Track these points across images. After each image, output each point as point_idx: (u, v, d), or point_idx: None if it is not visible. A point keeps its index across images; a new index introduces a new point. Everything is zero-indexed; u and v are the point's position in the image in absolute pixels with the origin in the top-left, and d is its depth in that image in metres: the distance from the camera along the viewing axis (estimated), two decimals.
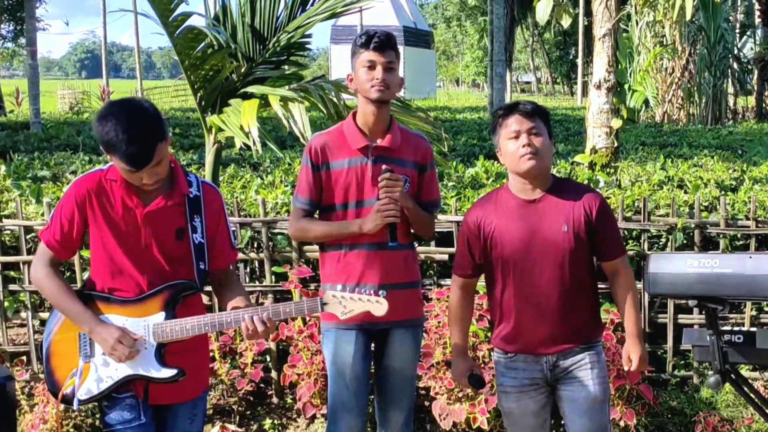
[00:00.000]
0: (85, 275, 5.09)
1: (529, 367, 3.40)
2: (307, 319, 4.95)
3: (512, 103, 3.40)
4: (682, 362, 5.24)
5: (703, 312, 3.33)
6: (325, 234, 3.58)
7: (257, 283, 5.32)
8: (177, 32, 4.90)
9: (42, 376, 5.26)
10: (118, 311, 3.10)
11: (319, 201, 3.61)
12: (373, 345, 3.69)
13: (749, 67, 23.96)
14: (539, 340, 3.35)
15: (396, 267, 3.56)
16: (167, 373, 3.09)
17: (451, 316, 3.61)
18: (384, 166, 3.47)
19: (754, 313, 5.17)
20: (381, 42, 3.46)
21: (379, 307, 3.10)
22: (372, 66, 3.46)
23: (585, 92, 33.86)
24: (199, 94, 5.28)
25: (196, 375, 3.22)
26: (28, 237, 5.31)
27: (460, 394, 4.75)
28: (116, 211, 3.08)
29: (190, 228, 3.15)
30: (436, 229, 5.20)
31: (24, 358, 5.33)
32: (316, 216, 3.64)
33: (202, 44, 5.11)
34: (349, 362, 3.59)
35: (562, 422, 3.80)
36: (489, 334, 4.75)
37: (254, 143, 4.60)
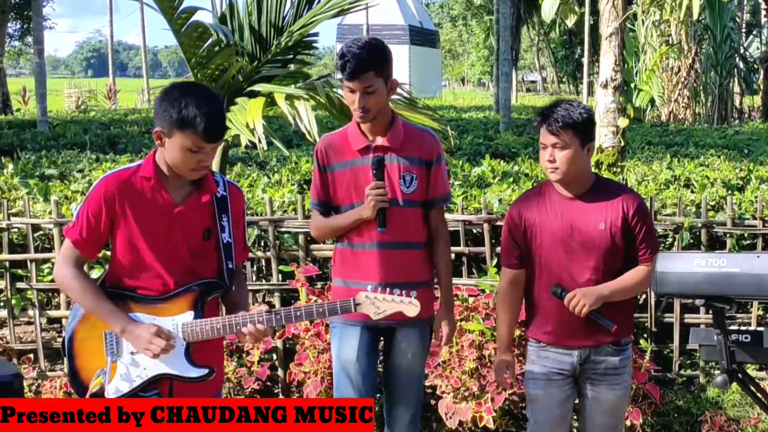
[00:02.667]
0: (92, 274, 5.11)
1: (559, 357, 3.53)
2: None
3: (545, 113, 3.46)
4: (689, 362, 5.24)
5: (710, 311, 3.33)
6: (336, 227, 3.61)
7: (264, 282, 5.33)
8: (183, 29, 4.91)
9: (49, 374, 5.28)
10: (145, 310, 3.08)
11: (330, 201, 3.64)
12: (381, 343, 3.70)
13: (755, 66, 23.88)
14: (572, 333, 3.48)
15: (406, 265, 3.56)
16: (198, 372, 3.08)
17: (499, 309, 3.71)
18: (372, 158, 3.49)
19: (761, 312, 5.17)
20: (352, 70, 3.39)
21: (412, 308, 3.13)
22: (351, 90, 3.45)
23: (590, 91, 33.79)
24: None
25: (216, 374, 3.23)
26: (35, 235, 5.33)
27: (466, 393, 4.75)
28: (146, 210, 3.06)
29: (219, 227, 3.15)
30: None
31: (31, 355, 5.35)
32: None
33: (208, 42, 5.11)
34: (353, 358, 3.60)
35: (574, 416, 3.83)
36: (495, 334, 4.75)
37: (260, 141, 4.61)
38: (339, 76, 3.50)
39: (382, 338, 3.71)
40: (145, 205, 3.07)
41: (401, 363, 3.67)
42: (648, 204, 5.22)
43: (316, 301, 4.90)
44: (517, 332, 4.75)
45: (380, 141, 3.55)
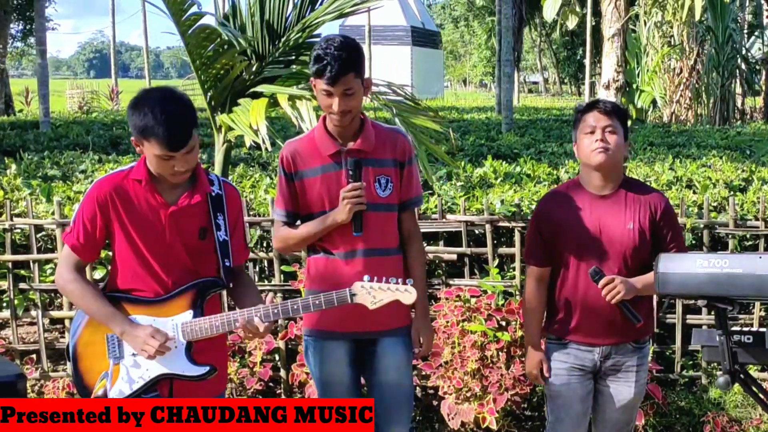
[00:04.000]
0: (95, 274, 5.12)
1: (581, 354, 3.58)
2: None
3: (593, 100, 3.58)
4: (691, 362, 5.24)
5: (713, 312, 3.33)
6: (306, 236, 3.43)
7: (266, 282, 5.34)
8: (190, 31, 4.93)
9: (52, 374, 5.29)
10: (144, 311, 3.10)
11: (298, 211, 3.48)
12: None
13: (757, 67, 23.85)
14: (595, 330, 3.53)
15: (385, 272, 3.22)
16: (199, 370, 3.10)
17: (526, 307, 3.73)
18: (349, 159, 3.34)
19: (763, 313, 5.17)
20: (332, 75, 3.21)
21: (408, 295, 3.13)
22: (329, 94, 3.28)
23: (592, 92, 33.77)
24: (209, 94, 5.30)
25: (219, 373, 3.24)
26: (38, 236, 5.34)
27: (468, 394, 4.75)
28: (140, 211, 3.08)
29: (214, 226, 3.16)
30: (445, 229, 5.23)
31: (34, 356, 5.36)
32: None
33: (213, 43, 5.13)
34: (339, 372, 3.49)
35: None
36: (498, 335, 4.76)
37: (263, 141, 4.62)
38: (314, 79, 3.31)
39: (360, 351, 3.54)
40: (138, 208, 3.08)
41: (390, 379, 3.51)
42: None
43: None
44: (520, 333, 4.76)
45: (351, 144, 3.39)
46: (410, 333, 3.56)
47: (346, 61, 3.23)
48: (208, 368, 3.10)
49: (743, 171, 7.30)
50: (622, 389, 3.60)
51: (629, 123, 7.32)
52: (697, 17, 19.67)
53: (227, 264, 3.18)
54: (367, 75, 3.42)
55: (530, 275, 3.68)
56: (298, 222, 3.51)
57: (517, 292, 5.05)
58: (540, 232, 3.59)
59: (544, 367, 3.65)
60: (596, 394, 3.66)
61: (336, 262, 3.43)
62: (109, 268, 3.26)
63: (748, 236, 5.25)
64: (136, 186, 3.08)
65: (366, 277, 3.12)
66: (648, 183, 6.95)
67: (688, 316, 5.18)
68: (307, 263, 3.58)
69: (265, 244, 5.33)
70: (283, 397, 5.24)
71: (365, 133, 3.42)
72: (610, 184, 3.52)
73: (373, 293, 3.11)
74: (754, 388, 3.48)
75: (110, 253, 3.25)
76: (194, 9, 4.85)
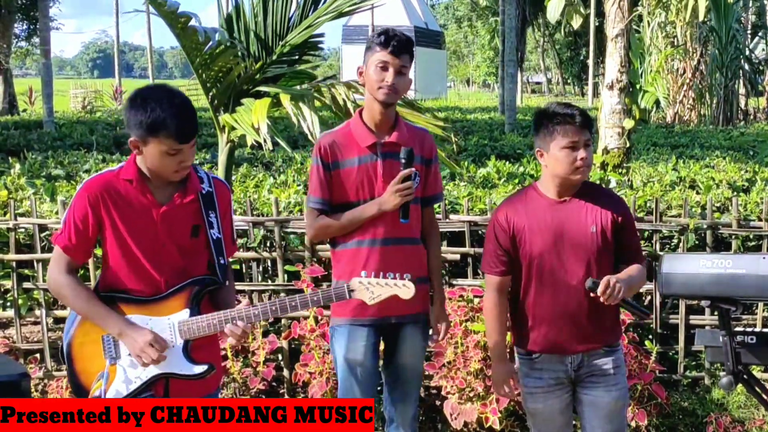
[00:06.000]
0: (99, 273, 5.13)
1: (553, 367, 3.45)
2: (319, 317, 4.96)
3: (565, 109, 3.40)
4: (694, 363, 5.23)
5: (716, 313, 3.33)
6: (348, 223, 3.54)
7: (270, 282, 5.34)
8: (183, 32, 4.95)
9: (56, 374, 5.30)
10: (140, 311, 3.08)
11: (331, 200, 3.59)
12: (382, 342, 3.71)
13: (760, 68, 23.85)
14: (565, 339, 3.39)
15: (408, 261, 3.52)
16: (198, 369, 3.09)
17: (488, 319, 3.61)
18: (403, 148, 3.49)
19: (766, 314, 5.16)
20: (399, 45, 3.44)
21: (406, 291, 3.13)
22: (385, 67, 3.44)
23: (595, 93, 33.76)
24: (211, 93, 5.31)
25: (216, 370, 3.24)
26: (42, 235, 5.35)
27: (471, 394, 4.75)
28: (132, 211, 3.05)
29: (207, 224, 3.14)
30: (448, 229, 5.23)
31: (38, 355, 5.37)
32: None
33: (211, 43, 5.12)
34: (361, 358, 3.60)
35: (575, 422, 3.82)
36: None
37: (265, 141, 4.63)
38: (370, 53, 3.48)
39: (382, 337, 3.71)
40: (129, 207, 3.06)
41: (407, 362, 3.69)
42: (653, 205, 5.24)
43: None
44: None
45: (387, 138, 3.54)
46: (428, 319, 3.71)
47: (409, 40, 3.51)
48: (206, 367, 3.10)
49: (746, 171, 7.30)
50: (603, 395, 3.45)
51: (633, 124, 7.34)
52: (701, 18, 19.67)
53: (222, 262, 3.18)
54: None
55: (490, 285, 3.55)
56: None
57: None
58: (498, 240, 3.47)
59: (512, 382, 3.56)
60: (577, 404, 3.54)
61: (366, 250, 3.55)
62: (99, 269, 3.23)
63: (751, 237, 5.25)
64: (127, 186, 3.06)
65: (363, 273, 3.16)
66: (651, 183, 6.97)
67: (692, 317, 5.18)
68: (337, 254, 3.66)
69: (268, 244, 5.33)
70: (286, 397, 5.25)
71: (399, 127, 3.58)
72: (571, 191, 3.42)
73: (372, 288, 3.12)
74: (757, 389, 3.49)
75: (99, 255, 3.23)
76: (181, 9, 4.84)
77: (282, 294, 5.24)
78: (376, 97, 3.49)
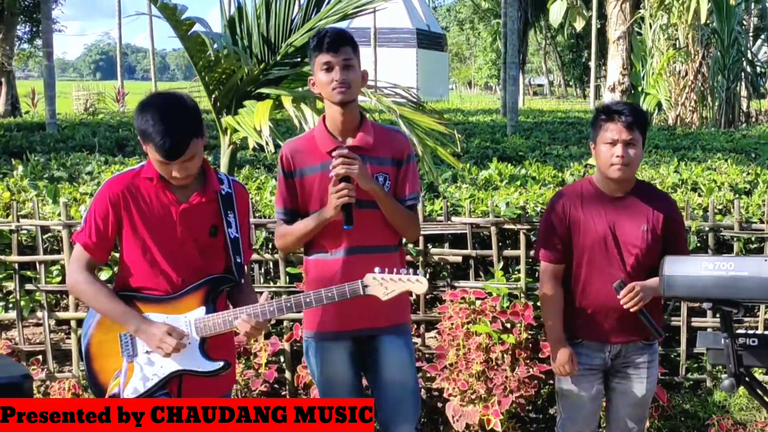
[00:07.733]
0: (101, 275, 5.12)
1: (591, 353, 3.64)
2: None
3: (617, 107, 3.57)
4: (696, 365, 5.23)
5: (718, 315, 3.33)
6: (302, 233, 3.46)
7: (271, 284, 5.34)
8: (187, 35, 4.95)
9: (58, 375, 5.30)
10: (157, 309, 3.12)
11: (297, 209, 3.50)
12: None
13: (763, 70, 23.79)
14: (607, 329, 3.59)
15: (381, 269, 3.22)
16: (213, 366, 3.12)
17: (546, 306, 3.75)
18: (339, 147, 3.33)
19: None
20: (333, 40, 3.33)
21: (419, 285, 3.15)
22: (329, 68, 3.35)
23: (597, 95, 33.77)
24: (213, 96, 5.32)
25: (229, 371, 3.25)
26: (44, 237, 5.36)
27: (473, 396, 4.75)
28: (151, 210, 3.10)
29: (225, 223, 3.18)
30: (450, 231, 5.22)
31: (40, 357, 5.37)
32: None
33: (214, 47, 5.13)
34: (340, 371, 3.51)
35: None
36: (503, 337, 4.76)
37: (267, 143, 4.63)
38: (314, 58, 3.37)
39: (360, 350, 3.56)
40: (150, 205, 3.11)
41: (394, 377, 3.52)
42: None
43: None
44: (525, 335, 4.76)
45: (350, 142, 3.43)
46: (410, 330, 3.64)
47: (343, 33, 3.41)
48: (222, 363, 3.13)
49: (748, 174, 7.28)
50: (634, 386, 3.67)
51: None
52: (703, 20, 19.64)
53: (239, 261, 3.22)
54: (364, 68, 3.49)
55: (546, 273, 3.69)
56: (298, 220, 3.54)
57: (522, 295, 5.05)
58: (554, 227, 3.63)
59: (573, 361, 3.64)
60: (608, 391, 3.73)
61: (333, 261, 3.46)
62: (116, 268, 3.27)
63: (753, 239, 5.25)
64: (148, 184, 3.11)
65: (377, 269, 3.14)
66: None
67: (693, 319, 5.18)
68: (306, 264, 3.61)
69: (270, 246, 5.33)
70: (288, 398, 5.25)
71: (364, 129, 3.48)
72: (625, 188, 3.61)
73: (385, 284, 3.14)
74: (759, 391, 3.48)
75: (116, 255, 3.26)
76: (187, 14, 4.85)
77: (284, 296, 5.24)
78: (332, 99, 3.39)
